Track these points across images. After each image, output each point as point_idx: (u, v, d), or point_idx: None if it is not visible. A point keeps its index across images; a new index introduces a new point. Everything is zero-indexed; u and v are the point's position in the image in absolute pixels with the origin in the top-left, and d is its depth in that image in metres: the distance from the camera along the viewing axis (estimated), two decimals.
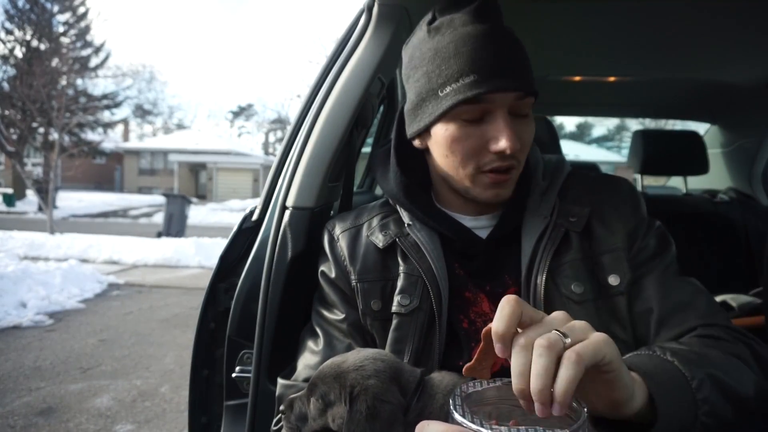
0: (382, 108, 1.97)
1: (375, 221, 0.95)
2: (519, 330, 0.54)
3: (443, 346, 0.84)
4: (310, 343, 0.94)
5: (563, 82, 1.94)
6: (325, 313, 0.95)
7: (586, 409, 0.50)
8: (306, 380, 0.87)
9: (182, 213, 10.48)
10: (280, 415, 0.82)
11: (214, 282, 1.14)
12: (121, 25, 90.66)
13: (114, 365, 3.88)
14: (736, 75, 1.73)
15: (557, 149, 1.89)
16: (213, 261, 1.51)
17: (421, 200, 0.91)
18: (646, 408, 0.59)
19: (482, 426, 0.48)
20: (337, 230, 0.97)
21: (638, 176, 2.18)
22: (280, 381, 0.92)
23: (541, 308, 0.80)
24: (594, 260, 0.84)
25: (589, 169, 2.24)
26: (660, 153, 2.06)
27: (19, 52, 23.13)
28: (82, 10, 25.72)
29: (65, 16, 25.49)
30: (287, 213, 1.04)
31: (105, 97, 27.60)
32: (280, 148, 1.20)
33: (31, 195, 20.47)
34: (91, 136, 26.24)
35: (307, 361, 0.92)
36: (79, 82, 23.32)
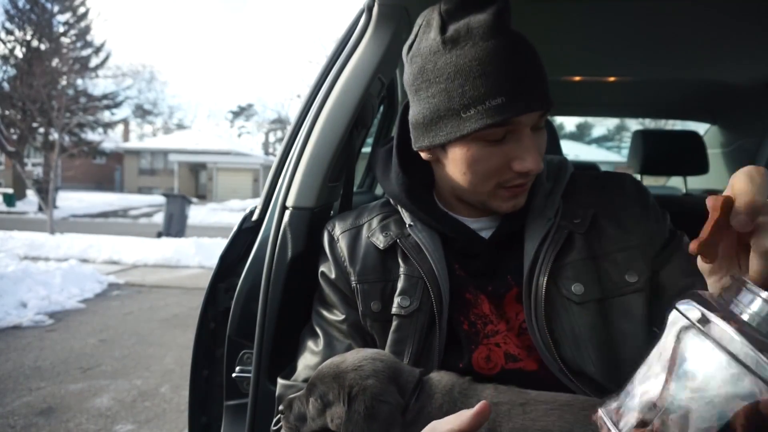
0: (382, 108, 1.97)
1: (375, 222, 0.95)
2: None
3: (443, 347, 0.84)
4: (310, 344, 0.94)
5: (563, 82, 1.94)
6: (325, 313, 0.95)
7: None
8: (306, 380, 0.87)
9: (182, 213, 10.48)
10: (279, 415, 0.82)
11: (214, 282, 1.14)
12: (121, 25, 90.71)
13: (114, 365, 3.88)
14: (736, 75, 1.73)
15: (557, 149, 1.89)
16: (213, 261, 1.51)
17: (423, 201, 0.91)
18: None
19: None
20: (337, 230, 0.96)
21: (638, 176, 2.18)
22: (280, 381, 0.92)
23: (541, 309, 0.80)
24: (605, 259, 0.84)
25: (589, 169, 2.24)
26: (660, 153, 2.06)
27: (19, 52, 23.13)
28: (82, 10, 25.72)
29: (65, 16, 25.49)
30: (287, 213, 1.04)
31: (105, 97, 27.59)
32: (280, 148, 1.20)
33: (31, 195, 20.48)
34: (91, 136, 26.26)
35: (307, 361, 0.92)
36: (79, 82, 23.33)
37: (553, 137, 1.85)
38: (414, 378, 0.74)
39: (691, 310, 0.43)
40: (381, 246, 0.90)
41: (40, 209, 15.70)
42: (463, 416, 0.56)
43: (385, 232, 0.92)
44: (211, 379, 1.16)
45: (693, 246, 0.52)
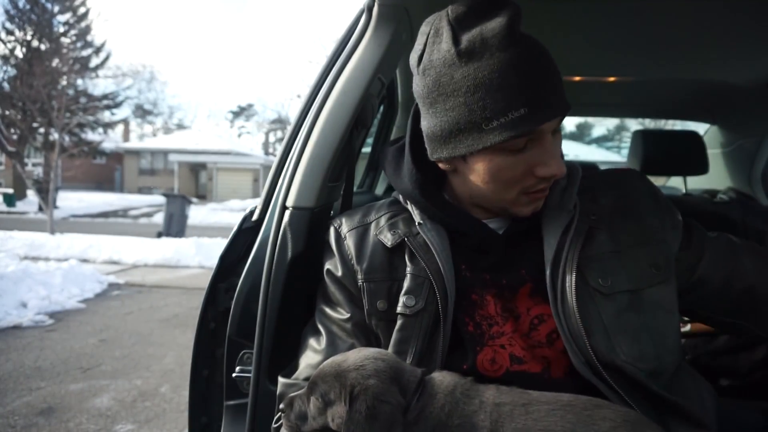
0: (382, 108, 1.97)
1: (383, 220, 0.94)
2: None
3: (447, 348, 0.84)
4: (313, 342, 0.93)
5: (563, 82, 1.93)
6: (329, 311, 0.94)
7: None
8: (307, 379, 0.87)
9: (182, 213, 10.48)
10: (280, 413, 0.82)
11: (214, 282, 1.14)
12: (122, 25, 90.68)
13: (114, 365, 3.88)
14: (736, 75, 1.73)
15: None
16: (213, 261, 1.51)
17: (436, 197, 0.90)
18: None
19: None
20: (345, 228, 0.96)
21: None
22: (281, 379, 0.92)
23: (568, 300, 0.81)
24: (627, 253, 0.85)
25: (589, 169, 2.24)
26: (660, 153, 2.06)
27: (19, 53, 23.14)
28: (82, 10, 25.72)
29: (66, 17, 25.49)
30: (287, 213, 1.04)
31: (105, 97, 27.59)
32: (280, 148, 1.20)
33: (31, 195, 20.47)
34: (91, 136, 26.26)
35: (309, 359, 0.92)
36: (79, 82, 23.34)
37: None
38: (416, 378, 0.74)
39: None
40: (389, 244, 0.90)
41: (41, 209, 15.70)
42: None
43: (393, 230, 0.91)
44: (211, 379, 1.16)
45: None
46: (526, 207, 0.86)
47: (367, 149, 2.14)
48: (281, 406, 0.81)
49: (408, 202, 0.94)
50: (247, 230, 1.17)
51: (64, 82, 17.14)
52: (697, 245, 0.92)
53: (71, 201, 21.95)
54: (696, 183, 2.33)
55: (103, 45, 27.04)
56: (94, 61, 26.55)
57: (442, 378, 0.75)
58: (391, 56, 1.11)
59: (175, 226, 10.31)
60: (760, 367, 1.44)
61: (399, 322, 0.86)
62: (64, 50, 22.51)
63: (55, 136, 14.02)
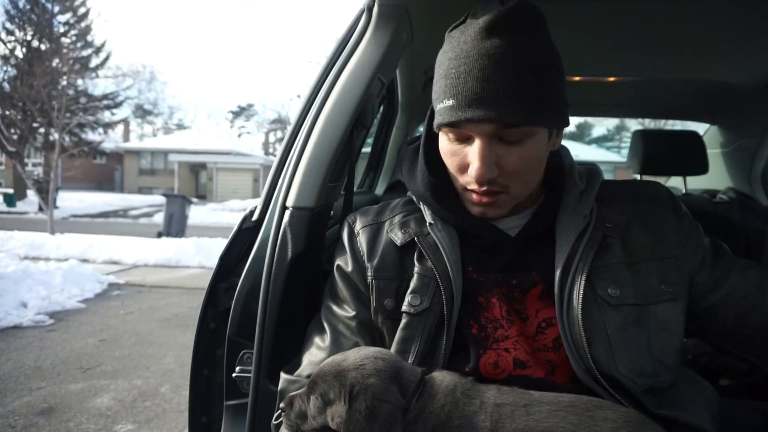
0: (382, 108, 1.97)
1: (397, 219, 0.94)
2: None
3: (449, 349, 0.84)
4: (317, 339, 0.93)
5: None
6: (335, 308, 0.94)
7: None
8: (309, 376, 0.87)
9: (182, 213, 10.47)
10: (280, 411, 0.82)
11: (214, 282, 1.14)
12: (122, 25, 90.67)
13: (114, 365, 3.88)
14: (736, 75, 1.73)
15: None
16: (213, 261, 1.51)
17: (448, 199, 0.90)
18: None
19: None
20: (358, 225, 0.96)
21: (637, 177, 2.18)
22: (283, 375, 0.92)
23: (574, 308, 0.80)
24: (640, 267, 0.84)
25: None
26: (659, 153, 2.06)
27: (19, 53, 23.14)
28: (82, 10, 25.74)
29: (66, 17, 25.51)
30: (287, 213, 1.04)
31: (105, 97, 27.58)
32: (280, 149, 1.20)
33: (31, 195, 20.47)
34: (91, 136, 26.26)
35: (312, 356, 0.92)
36: (79, 82, 23.31)
37: None
38: (416, 377, 0.74)
39: None
40: (398, 242, 0.90)
41: (41, 209, 15.70)
42: None
43: (405, 229, 0.91)
44: (211, 379, 1.16)
45: None
46: (473, 206, 0.86)
47: (367, 149, 2.14)
48: (281, 405, 0.81)
49: (420, 203, 0.94)
50: (247, 230, 1.17)
51: (64, 82, 17.09)
52: (719, 273, 0.89)
53: (71, 201, 21.94)
54: (696, 183, 2.33)
55: (103, 45, 27.08)
56: (94, 61, 26.56)
57: (442, 378, 0.75)
58: (391, 56, 1.11)
59: (175, 226, 10.31)
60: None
61: (403, 321, 0.86)
62: (64, 50, 22.48)
63: (55, 136, 13.99)
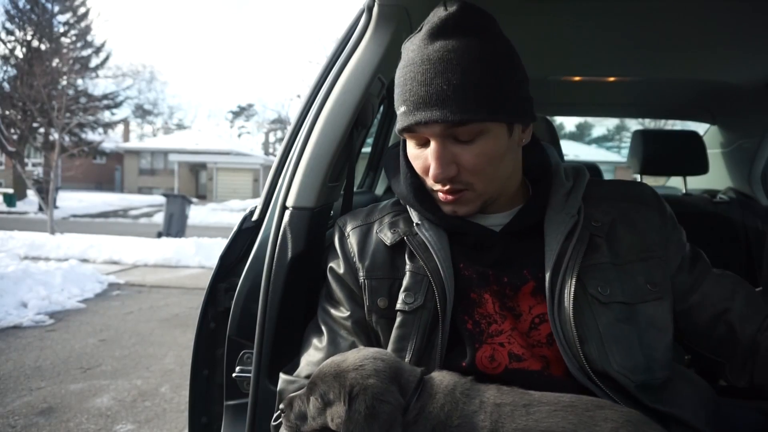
0: (382, 108, 1.97)
1: (386, 219, 0.95)
2: None
3: (446, 345, 0.84)
4: (314, 340, 0.94)
5: (563, 82, 1.93)
6: (331, 309, 0.95)
7: None
8: (308, 376, 0.87)
9: (182, 213, 10.47)
10: (279, 412, 0.82)
11: (214, 282, 1.14)
12: (122, 25, 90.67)
13: (114, 365, 3.88)
14: (736, 75, 1.73)
15: (557, 149, 1.89)
16: (213, 261, 1.51)
17: (430, 200, 0.91)
18: None
19: None
20: (348, 227, 0.97)
21: (638, 176, 2.18)
22: (282, 376, 0.93)
23: (565, 307, 0.81)
24: (626, 266, 0.85)
25: (589, 169, 2.24)
26: (659, 153, 2.06)
27: (19, 53, 23.15)
28: (82, 10, 25.74)
29: (66, 17, 25.51)
30: (287, 213, 1.04)
31: (105, 97, 27.59)
32: (280, 148, 1.20)
33: (31, 195, 20.47)
34: (91, 136, 26.25)
35: (310, 357, 0.92)
36: (79, 82, 23.31)
37: (554, 137, 1.86)
38: (415, 378, 0.74)
39: None
40: (388, 242, 0.91)
41: (41, 209, 15.70)
42: None
43: (394, 229, 0.93)
44: (211, 379, 1.16)
45: None
46: (444, 206, 0.89)
47: (367, 149, 2.14)
48: (281, 406, 0.81)
49: (406, 204, 0.95)
50: (247, 230, 1.17)
51: (64, 82, 17.10)
52: (696, 276, 0.91)
53: (71, 201, 21.94)
54: (696, 183, 2.33)
55: (103, 45, 27.09)
56: (94, 61, 26.57)
57: (441, 378, 0.75)
58: (391, 56, 1.11)
59: (175, 226, 10.31)
60: None
61: (398, 319, 0.86)
62: (64, 50, 22.48)
63: (55, 136, 13.98)
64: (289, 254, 1.02)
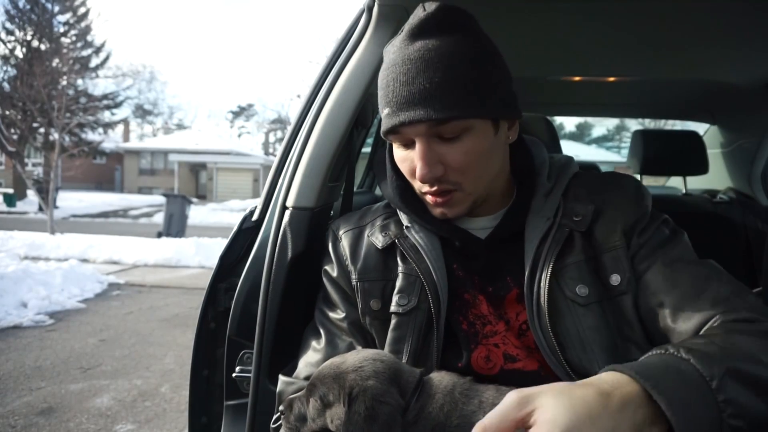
0: None
1: (377, 222, 0.95)
2: None
3: (441, 346, 0.84)
4: (313, 341, 0.95)
5: (563, 82, 1.93)
6: (328, 311, 0.95)
7: None
8: (307, 378, 0.87)
9: (182, 213, 10.47)
10: (279, 414, 0.83)
11: (214, 282, 1.14)
12: (122, 25, 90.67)
13: (114, 365, 3.88)
14: (736, 75, 1.73)
15: (557, 149, 1.88)
16: (213, 261, 1.51)
17: (417, 203, 0.91)
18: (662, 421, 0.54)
19: None
20: (341, 230, 0.97)
21: (638, 176, 2.18)
22: (282, 378, 0.93)
23: (544, 312, 0.80)
24: (596, 260, 0.83)
25: (589, 169, 2.24)
26: (659, 153, 2.06)
27: (19, 53, 23.15)
28: (82, 10, 25.74)
29: (66, 17, 25.51)
30: (287, 213, 1.04)
31: (105, 97, 27.59)
32: (280, 149, 1.20)
33: (31, 195, 20.47)
34: (91, 136, 26.26)
35: (309, 358, 0.93)
36: (79, 82, 23.29)
37: (553, 137, 1.86)
38: (414, 378, 0.74)
39: None
40: (379, 246, 0.91)
41: (41, 209, 15.69)
42: None
43: (385, 232, 0.93)
44: (211, 379, 1.16)
45: None
46: (433, 208, 0.87)
47: (367, 149, 2.14)
48: (281, 407, 0.81)
49: (395, 207, 0.95)
50: (247, 230, 1.17)
51: (64, 82, 17.09)
52: (648, 264, 0.82)
53: (71, 201, 21.94)
54: (696, 183, 2.33)
55: (103, 45, 27.09)
56: (94, 61, 26.57)
57: (440, 378, 0.75)
58: None
59: (175, 226, 10.31)
60: None
61: (393, 321, 0.87)
62: (64, 50, 22.48)
63: (55, 136, 13.97)
64: (289, 254, 1.02)
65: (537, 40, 1.44)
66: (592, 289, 0.81)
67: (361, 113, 1.11)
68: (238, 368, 1.08)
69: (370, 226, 0.96)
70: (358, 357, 0.75)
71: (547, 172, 0.92)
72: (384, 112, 0.82)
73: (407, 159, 0.84)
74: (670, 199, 2.10)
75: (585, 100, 2.36)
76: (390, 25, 1.09)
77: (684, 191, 2.16)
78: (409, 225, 0.91)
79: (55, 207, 14.71)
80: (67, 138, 20.13)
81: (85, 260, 7.97)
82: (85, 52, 25.99)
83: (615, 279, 0.82)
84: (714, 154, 2.27)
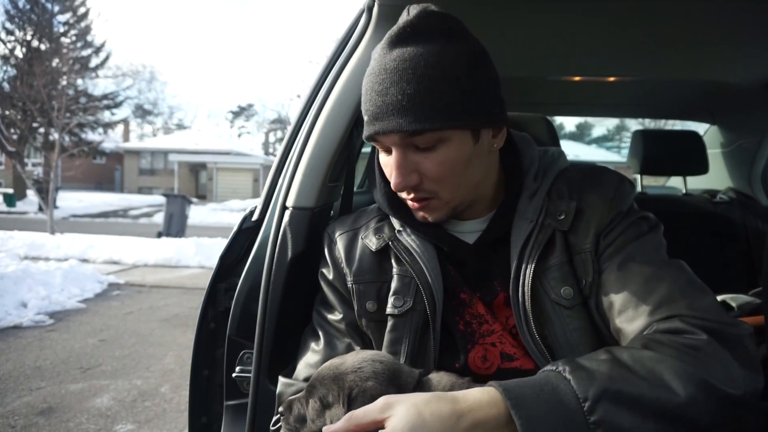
0: None
1: (371, 224, 0.96)
2: None
3: (438, 347, 0.84)
4: (311, 343, 0.95)
5: (563, 82, 1.93)
6: (325, 313, 0.96)
7: None
8: (306, 379, 0.88)
9: (182, 213, 10.47)
10: (278, 416, 0.83)
11: (214, 282, 1.14)
12: (122, 25, 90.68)
13: (114, 365, 3.88)
14: (736, 75, 1.73)
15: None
16: (213, 261, 1.51)
17: (406, 208, 0.90)
18: None
19: None
20: (336, 233, 0.98)
21: (638, 176, 2.18)
22: (281, 379, 0.93)
23: (529, 316, 0.80)
24: (573, 261, 0.82)
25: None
26: (659, 153, 2.06)
27: (19, 53, 23.15)
28: (82, 10, 25.74)
29: (66, 17, 25.51)
30: (287, 213, 1.04)
31: (105, 97, 27.59)
32: (280, 148, 1.20)
33: (31, 195, 20.46)
34: (91, 136, 26.28)
35: (308, 360, 0.93)
36: (79, 82, 23.30)
37: (553, 137, 1.86)
38: (413, 379, 0.74)
39: None
40: (373, 248, 0.91)
41: (41, 209, 15.69)
42: None
43: (378, 234, 0.93)
44: (211, 379, 1.16)
45: None
46: (415, 212, 0.88)
47: (367, 149, 2.14)
48: (280, 409, 0.81)
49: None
50: (247, 230, 1.17)
51: (64, 82, 17.08)
52: (610, 264, 0.81)
53: (71, 201, 21.94)
54: (696, 183, 2.33)
55: (103, 45, 27.10)
56: (94, 61, 26.58)
57: (439, 378, 0.75)
58: None
59: (175, 226, 10.31)
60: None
61: (390, 323, 0.87)
62: (64, 50, 22.47)
63: (55, 136, 13.97)
64: (289, 254, 1.02)
65: (537, 40, 1.44)
66: (576, 289, 0.81)
67: (361, 113, 1.11)
68: (238, 368, 1.08)
69: (365, 228, 0.96)
70: (357, 358, 0.75)
71: (534, 172, 0.91)
72: (365, 118, 0.82)
73: (388, 165, 0.84)
74: (670, 199, 2.10)
75: (585, 100, 2.35)
76: (390, 25, 1.08)
77: (684, 191, 2.16)
78: (400, 229, 0.91)
79: (55, 207, 14.71)
80: (67, 138, 20.14)
81: (85, 260, 7.97)
82: (85, 52, 26.00)
83: (582, 282, 0.81)
84: (714, 154, 2.27)
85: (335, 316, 0.94)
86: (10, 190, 20.97)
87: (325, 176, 1.06)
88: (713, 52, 1.52)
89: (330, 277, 0.95)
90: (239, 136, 48.99)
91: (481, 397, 0.61)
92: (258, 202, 1.19)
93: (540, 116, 1.52)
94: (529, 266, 0.81)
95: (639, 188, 2.14)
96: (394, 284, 0.88)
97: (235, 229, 1.18)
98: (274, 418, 0.90)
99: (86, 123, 24.26)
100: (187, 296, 6.16)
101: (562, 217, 0.84)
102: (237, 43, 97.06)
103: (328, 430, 0.63)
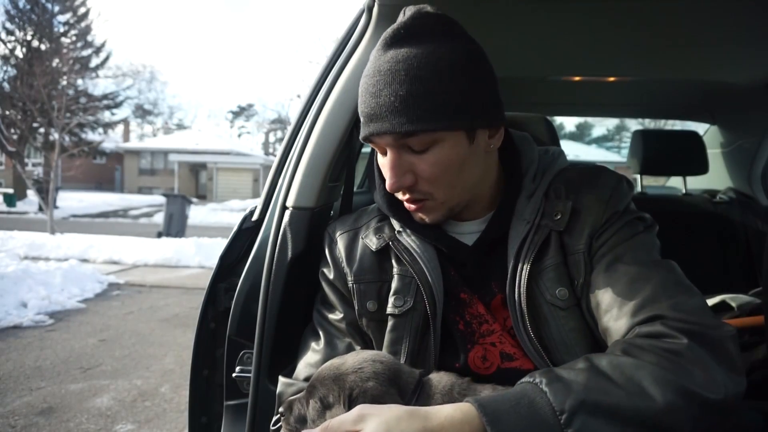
0: None
1: (372, 224, 0.96)
2: None
3: (439, 347, 0.85)
4: (312, 342, 0.95)
5: (563, 82, 1.93)
6: (326, 313, 0.96)
7: None
8: (307, 379, 0.88)
9: (182, 213, 10.47)
10: (279, 416, 0.83)
11: (214, 282, 1.14)
12: (122, 25, 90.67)
13: (114, 365, 3.88)
14: (736, 75, 1.73)
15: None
16: (213, 261, 1.51)
17: (404, 210, 0.90)
18: None
19: None
20: (337, 233, 0.98)
21: (638, 176, 2.18)
22: (281, 379, 0.93)
23: (525, 317, 0.80)
24: (568, 262, 0.82)
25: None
26: (659, 153, 2.06)
27: (19, 53, 23.16)
28: (82, 10, 25.75)
29: (66, 17, 25.53)
30: (287, 213, 1.04)
31: (105, 97, 27.60)
32: (280, 148, 1.20)
33: (31, 195, 20.45)
34: (91, 136, 26.28)
35: (308, 359, 0.93)
36: (79, 82, 23.27)
37: (553, 137, 1.86)
38: (414, 379, 0.74)
39: None
40: (373, 248, 0.91)
41: (41, 209, 15.68)
42: None
43: (379, 234, 0.93)
44: (211, 379, 1.16)
45: None
46: (413, 213, 0.88)
47: (367, 149, 2.14)
48: (280, 409, 0.81)
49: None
50: (247, 230, 1.17)
51: (64, 82, 17.08)
52: (599, 265, 0.80)
53: (71, 201, 21.93)
54: (696, 183, 2.33)
55: (103, 45, 27.12)
56: (94, 61, 26.59)
57: (439, 379, 0.75)
58: None
59: (175, 226, 10.31)
60: (760, 367, 1.44)
61: (390, 323, 0.87)
62: (64, 50, 22.47)
63: (55, 136, 13.97)
64: (289, 254, 1.02)
65: (537, 40, 1.44)
66: (571, 290, 0.81)
67: None
68: (238, 368, 1.08)
69: (365, 228, 0.96)
70: (357, 358, 0.75)
71: (534, 172, 0.90)
72: (361, 119, 0.82)
73: (384, 165, 0.84)
74: (670, 199, 2.10)
75: (585, 100, 2.35)
76: (390, 25, 1.08)
77: (684, 191, 2.16)
78: (400, 229, 0.91)
79: (55, 207, 14.71)
80: (67, 138, 20.14)
81: (85, 260, 7.97)
82: (85, 52, 26.01)
83: (575, 283, 0.81)
84: (714, 154, 2.27)
85: (336, 316, 0.94)
86: (11, 190, 20.97)
87: (325, 176, 1.06)
88: (713, 52, 1.52)
89: (331, 276, 0.95)
90: (239, 136, 49.04)
91: (454, 414, 0.61)
92: (258, 202, 1.19)
93: (540, 116, 1.52)
94: (524, 267, 0.81)
95: (639, 188, 2.14)
96: (394, 284, 0.88)
97: (235, 229, 1.18)
98: (275, 418, 0.90)
99: (86, 123, 24.26)
100: (187, 296, 6.16)
101: (558, 217, 0.83)
102: (237, 44, 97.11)
103: None
